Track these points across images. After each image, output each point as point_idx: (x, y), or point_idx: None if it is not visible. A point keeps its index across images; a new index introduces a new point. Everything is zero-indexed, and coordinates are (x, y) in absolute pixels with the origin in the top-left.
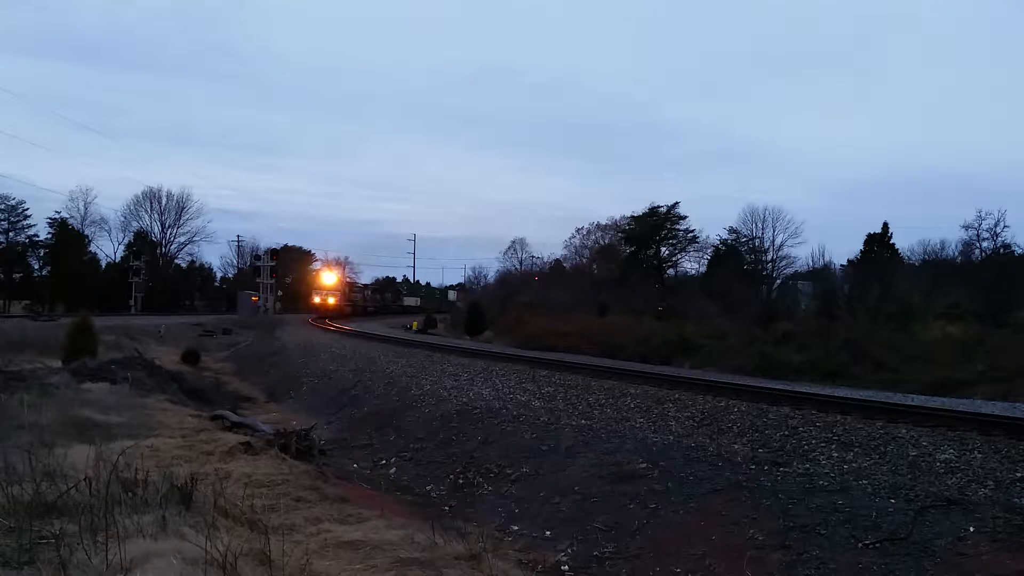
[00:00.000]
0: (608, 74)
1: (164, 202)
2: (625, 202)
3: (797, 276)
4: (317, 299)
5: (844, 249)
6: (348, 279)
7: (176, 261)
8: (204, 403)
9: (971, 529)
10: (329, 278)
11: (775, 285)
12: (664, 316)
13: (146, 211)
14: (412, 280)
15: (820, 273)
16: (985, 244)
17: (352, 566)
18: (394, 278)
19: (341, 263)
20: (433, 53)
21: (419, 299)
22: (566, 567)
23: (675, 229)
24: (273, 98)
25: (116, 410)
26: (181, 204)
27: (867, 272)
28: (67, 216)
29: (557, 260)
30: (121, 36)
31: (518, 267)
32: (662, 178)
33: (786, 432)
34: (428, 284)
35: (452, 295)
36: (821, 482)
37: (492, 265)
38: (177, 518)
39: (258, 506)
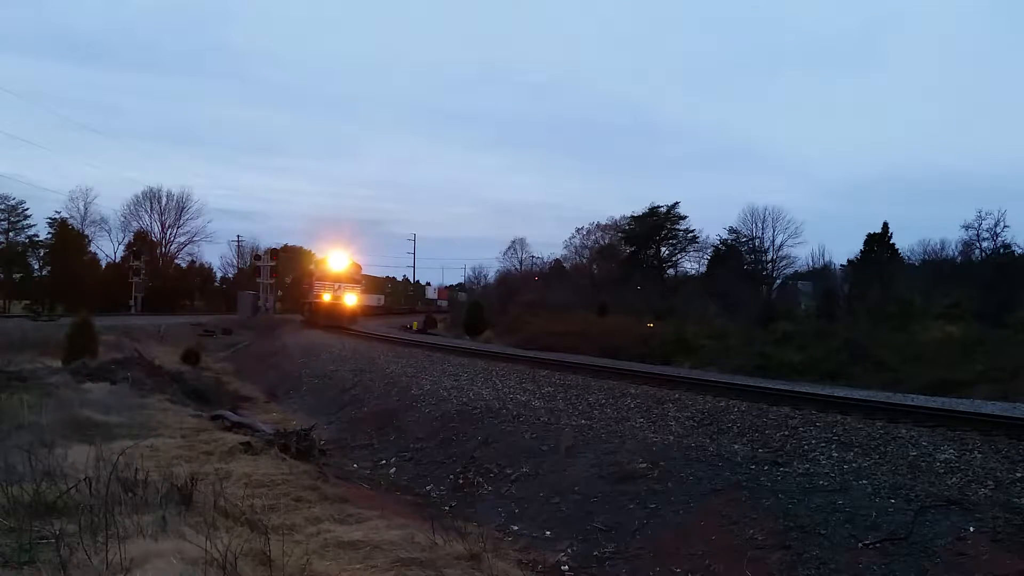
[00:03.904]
0: (608, 73)
1: (164, 202)
2: (625, 202)
3: (797, 276)
4: (325, 295)
5: (844, 249)
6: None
7: (176, 261)
8: (204, 403)
9: (971, 529)
10: (339, 261)
11: (775, 285)
12: (657, 324)
13: (146, 211)
14: (412, 280)
15: (820, 273)
16: (985, 244)
17: (352, 566)
18: (394, 278)
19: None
20: (433, 52)
21: (382, 297)
22: (566, 567)
23: (675, 229)
24: (273, 98)
25: (116, 410)
26: (181, 204)
27: (867, 272)
28: (67, 216)
29: (557, 260)
30: (120, 36)
31: (518, 267)
32: (662, 178)
33: (786, 432)
34: (394, 278)
35: (431, 292)
36: (821, 482)
37: (492, 265)
38: (177, 518)
39: (258, 506)
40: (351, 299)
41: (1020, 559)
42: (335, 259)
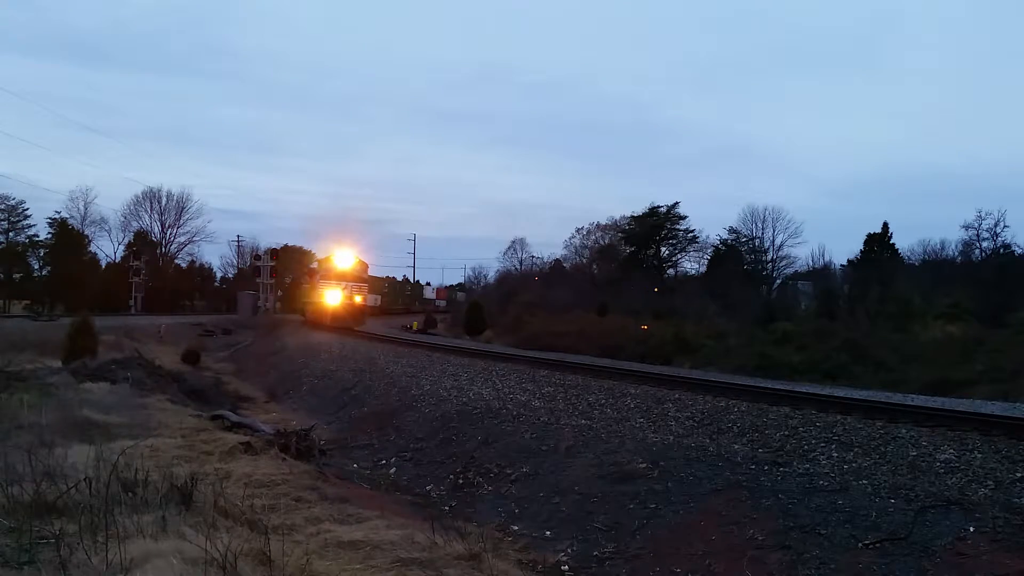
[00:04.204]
0: (608, 73)
1: (164, 202)
2: (625, 202)
3: (797, 276)
4: (333, 295)
5: (844, 249)
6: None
7: (176, 261)
8: (204, 403)
9: (971, 529)
10: (345, 259)
11: (775, 285)
12: (656, 324)
13: (146, 211)
14: (412, 280)
15: (820, 273)
16: (985, 244)
17: (352, 566)
18: (393, 278)
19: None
20: (433, 52)
21: (379, 297)
22: (566, 567)
23: (675, 229)
24: (273, 98)
25: (116, 410)
26: (181, 204)
27: (867, 272)
28: (67, 216)
29: (557, 260)
30: (120, 36)
31: (518, 267)
32: (662, 178)
33: (786, 432)
34: (393, 278)
35: (428, 292)
36: (821, 482)
37: (492, 265)
38: (177, 518)
39: (258, 506)
40: (359, 299)
41: (1020, 559)
42: (341, 257)
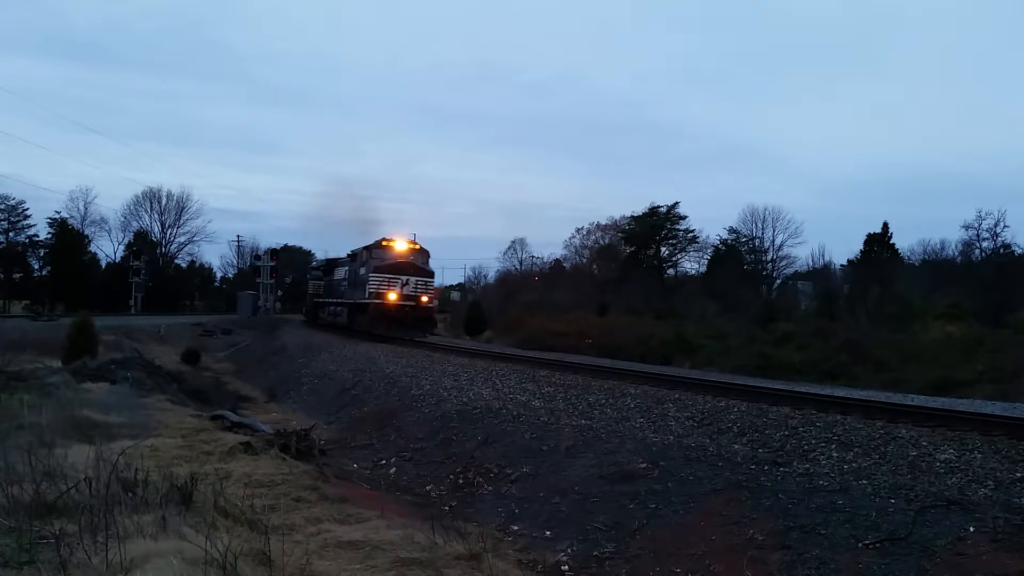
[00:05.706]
0: (608, 73)
1: (164, 202)
2: (625, 202)
3: (797, 276)
4: (390, 293)
5: (844, 249)
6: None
7: (176, 261)
8: (204, 403)
9: (971, 529)
10: (402, 246)
11: (775, 285)
12: (657, 324)
13: (146, 211)
14: None
15: (820, 273)
16: (985, 244)
17: (352, 566)
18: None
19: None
20: (433, 52)
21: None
22: (566, 567)
23: (675, 229)
24: (273, 98)
25: (116, 410)
26: (181, 204)
27: (867, 272)
28: (67, 216)
29: (557, 260)
30: (119, 35)
31: (518, 267)
32: (662, 178)
33: (786, 432)
34: None
35: None
36: (821, 482)
37: (492, 265)
38: (177, 518)
39: (258, 506)
40: (425, 299)
41: (1020, 559)
42: (400, 244)
